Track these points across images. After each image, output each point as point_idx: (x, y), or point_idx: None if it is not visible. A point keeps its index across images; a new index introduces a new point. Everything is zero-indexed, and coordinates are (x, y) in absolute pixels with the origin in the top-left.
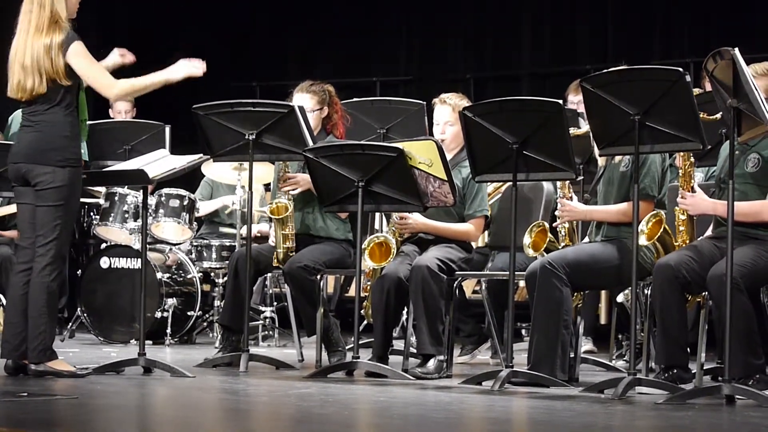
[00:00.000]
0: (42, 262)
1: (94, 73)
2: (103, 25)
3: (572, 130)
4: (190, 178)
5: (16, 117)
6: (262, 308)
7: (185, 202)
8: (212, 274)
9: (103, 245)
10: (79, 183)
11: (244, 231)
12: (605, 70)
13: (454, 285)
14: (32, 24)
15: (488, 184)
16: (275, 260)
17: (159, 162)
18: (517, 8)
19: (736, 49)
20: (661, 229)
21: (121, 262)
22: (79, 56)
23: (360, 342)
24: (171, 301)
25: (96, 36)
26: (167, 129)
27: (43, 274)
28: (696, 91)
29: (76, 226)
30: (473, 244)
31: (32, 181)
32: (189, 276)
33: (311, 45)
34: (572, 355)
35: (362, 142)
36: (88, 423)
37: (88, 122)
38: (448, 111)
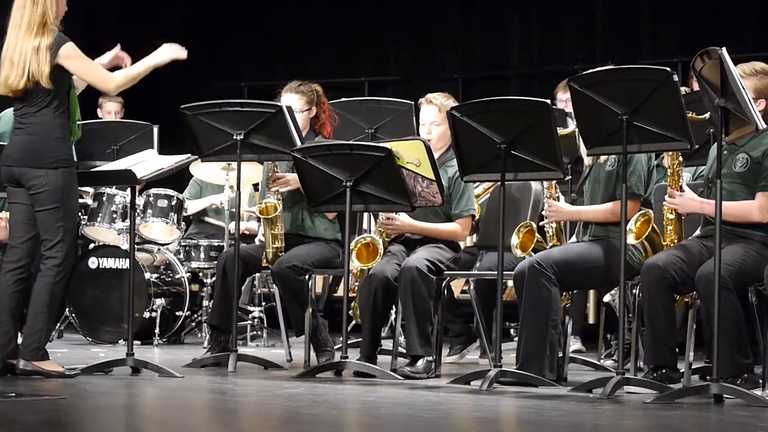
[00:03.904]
0: (50, 263)
1: (91, 70)
2: (88, 23)
3: (559, 130)
4: (178, 178)
5: (5, 116)
6: (251, 308)
7: (173, 203)
8: (200, 274)
9: (91, 245)
10: (74, 183)
11: (232, 227)
12: (593, 70)
13: (443, 285)
14: (24, 20)
15: (476, 184)
16: (264, 260)
17: (147, 162)
18: (505, 8)
19: (724, 49)
20: (650, 229)
21: (110, 263)
22: (72, 58)
23: (348, 342)
24: (159, 302)
25: (81, 34)
26: (155, 129)
27: (50, 274)
28: (683, 90)
29: None
30: (461, 244)
31: (26, 185)
32: (177, 276)
33: (299, 45)
34: (560, 354)
35: (350, 142)
36: (77, 423)
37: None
38: (434, 111)
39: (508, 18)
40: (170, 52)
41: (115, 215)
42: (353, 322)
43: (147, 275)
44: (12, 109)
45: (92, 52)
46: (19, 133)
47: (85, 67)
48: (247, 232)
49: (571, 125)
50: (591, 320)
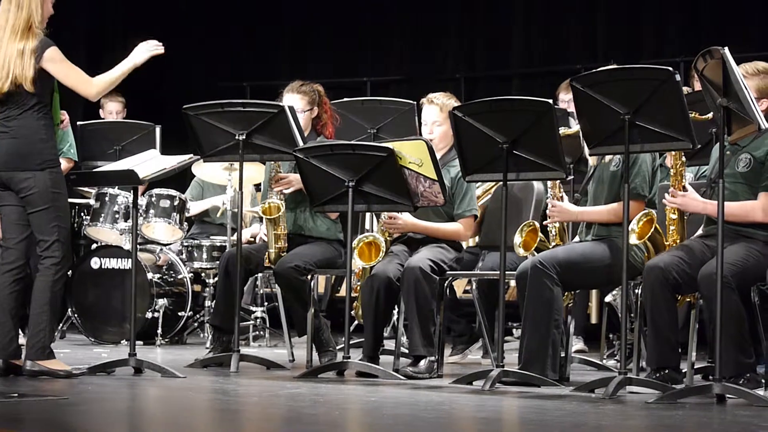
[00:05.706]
0: (48, 263)
1: (73, 75)
2: (91, 23)
3: (562, 130)
4: (180, 179)
5: None
6: (253, 308)
7: (176, 203)
8: (203, 274)
9: (94, 246)
10: (62, 182)
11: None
12: (595, 70)
13: (445, 285)
14: (9, 24)
15: (478, 184)
16: (267, 260)
17: (149, 162)
18: (507, 8)
19: (726, 49)
20: (652, 229)
21: (112, 263)
22: (55, 61)
23: (350, 342)
24: (162, 302)
25: (84, 35)
26: (158, 129)
27: (49, 273)
28: (685, 90)
29: None
30: (463, 244)
31: (15, 188)
32: (180, 276)
33: (301, 45)
34: (563, 354)
35: (352, 142)
36: (79, 424)
37: (79, 123)
38: (435, 111)
39: (510, 18)
40: (147, 51)
41: (117, 215)
42: (355, 322)
43: (149, 275)
44: None
45: (94, 51)
46: (3, 137)
47: (68, 71)
48: (252, 239)
49: (574, 125)
50: (593, 320)
